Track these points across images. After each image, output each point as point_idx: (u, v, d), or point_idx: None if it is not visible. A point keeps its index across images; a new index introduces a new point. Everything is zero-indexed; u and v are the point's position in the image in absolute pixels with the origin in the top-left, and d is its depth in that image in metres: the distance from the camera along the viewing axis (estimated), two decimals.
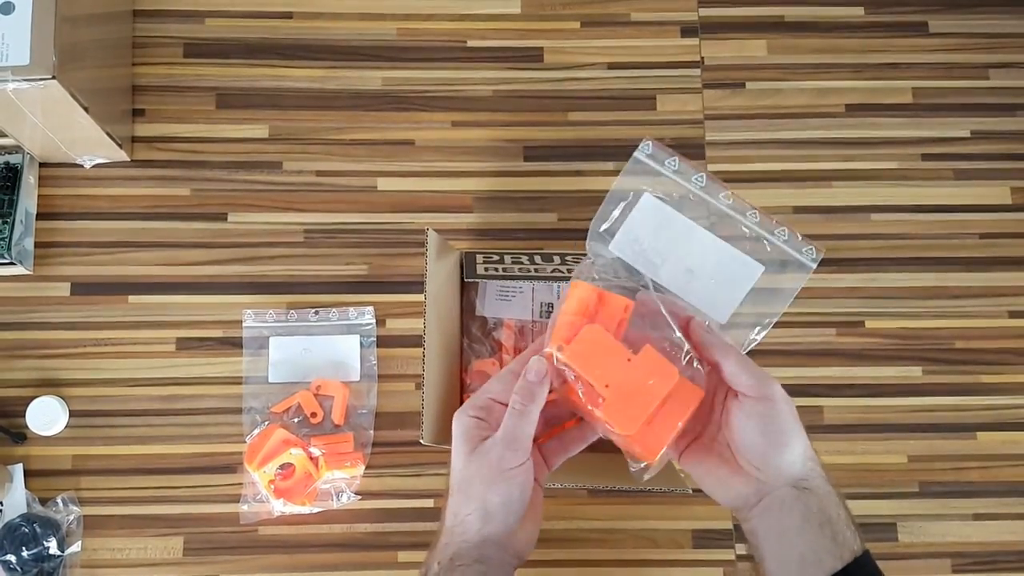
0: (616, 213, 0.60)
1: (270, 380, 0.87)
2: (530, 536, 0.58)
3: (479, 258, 0.78)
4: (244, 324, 0.88)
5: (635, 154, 0.59)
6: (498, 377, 0.58)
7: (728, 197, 0.58)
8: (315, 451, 0.83)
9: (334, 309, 0.89)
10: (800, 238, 0.58)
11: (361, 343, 0.88)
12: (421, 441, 0.69)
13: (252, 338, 0.88)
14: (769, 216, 0.58)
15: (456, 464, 0.56)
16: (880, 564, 0.53)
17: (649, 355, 0.56)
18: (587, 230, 0.92)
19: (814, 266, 0.57)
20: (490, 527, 0.55)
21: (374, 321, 0.89)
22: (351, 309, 0.89)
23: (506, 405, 0.56)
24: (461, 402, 0.83)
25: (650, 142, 0.59)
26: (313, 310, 0.89)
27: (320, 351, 0.87)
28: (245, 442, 0.85)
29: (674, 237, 0.59)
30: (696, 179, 0.58)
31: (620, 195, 0.59)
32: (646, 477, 0.57)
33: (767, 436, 0.54)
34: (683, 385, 0.55)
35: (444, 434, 0.74)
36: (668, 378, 0.55)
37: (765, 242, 0.58)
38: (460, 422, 0.57)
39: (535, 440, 0.57)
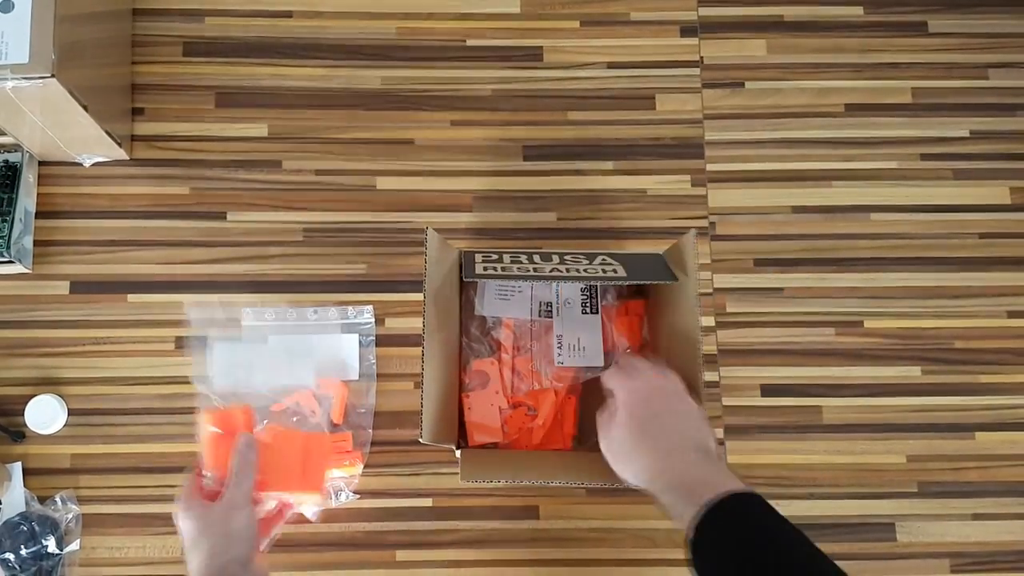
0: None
1: (269, 379, 0.87)
2: (264, 567, 0.70)
3: (478, 257, 0.78)
4: (243, 323, 0.88)
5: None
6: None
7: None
8: None
9: (333, 307, 0.89)
10: None
11: (360, 342, 0.88)
12: (420, 440, 0.69)
13: (251, 337, 0.88)
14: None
15: (188, 528, 0.69)
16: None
17: (275, 431, 0.79)
18: (587, 229, 0.92)
19: None
20: (236, 548, 0.67)
21: (373, 320, 0.89)
22: (350, 308, 0.89)
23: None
24: (460, 401, 0.83)
25: None
26: (312, 309, 0.89)
27: (319, 350, 0.87)
28: None
29: None
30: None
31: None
32: (317, 511, 0.83)
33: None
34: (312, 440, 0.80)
35: (443, 433, 0.74)
36: (294, 440, 0.79)
37: None
38: (184, 507, 0.70)
39: None
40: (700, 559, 0.60)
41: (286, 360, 0.86)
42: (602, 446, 0.70)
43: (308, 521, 0.85)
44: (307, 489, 0.79)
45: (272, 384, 0.86)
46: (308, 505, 0.83)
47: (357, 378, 0.87)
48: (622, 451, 0.69)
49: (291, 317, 0.88)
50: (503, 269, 0.75)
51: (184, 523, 0.69)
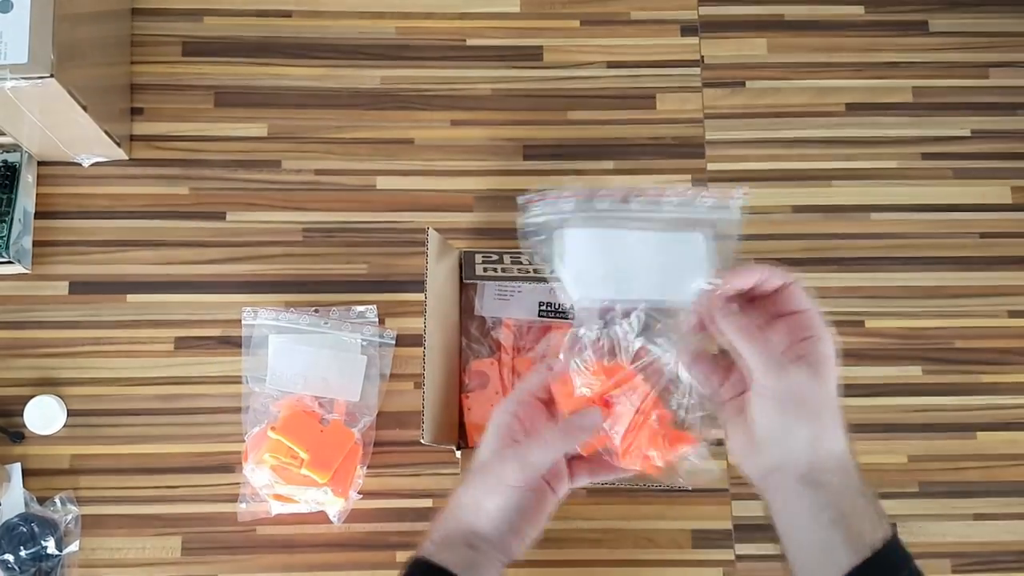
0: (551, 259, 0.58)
1: (269, 379, 0.86)
2: (523, 541, 0.58)
3: (478, 258, 0.78)
4: (243, 322, 0.88)
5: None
6: (543, 375, 0.59)
7: (639, 200, 0.57)
8: None
9: (334, 308, 0.89)
10: (725, 193, 0.57)
11: (362, 342, 0.88)
12: (421, 441, 0.68)
13: (251, 337, 0.88)
14: (687, 189, 0.57)
15: (480, 453, 0.58)
16: None
17: (335, 425, 0.81)
18: None
19: (741, 203, 0.57)
20: (481, 524, 0.56)
21: (376, 319, 0.89)
22: (353, 307, 0.89)
23: (545, 405, 0.58)
24: (460, 403, 0.83)
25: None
26: (313, 308, 0.88)
27: (320, 349, 0.87)
28: (244, 441, 0.85)
29: (612, 254, 0.57)
30: (598, 202, 0.57)
31: (538, 240, 0.58)
32: (341, 520, 0.82)
33: (771, 424, 0.53)
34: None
35: (444, 434, 0.74)
36: (348, 439, 0.81)
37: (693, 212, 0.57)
38: (499, 416, 0.58)
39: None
40: None
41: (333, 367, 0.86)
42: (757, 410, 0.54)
43: (308, 522, 0.85)
44: (335, 487, 0.81)
45: (315, 389, 0.86)
46: (332, 505, 0.83)
47: (360, 378, 0.87)
48: (784, 420, 0.54)
49: (292, 316, 0.87)
50: (503, 270, 0.75)
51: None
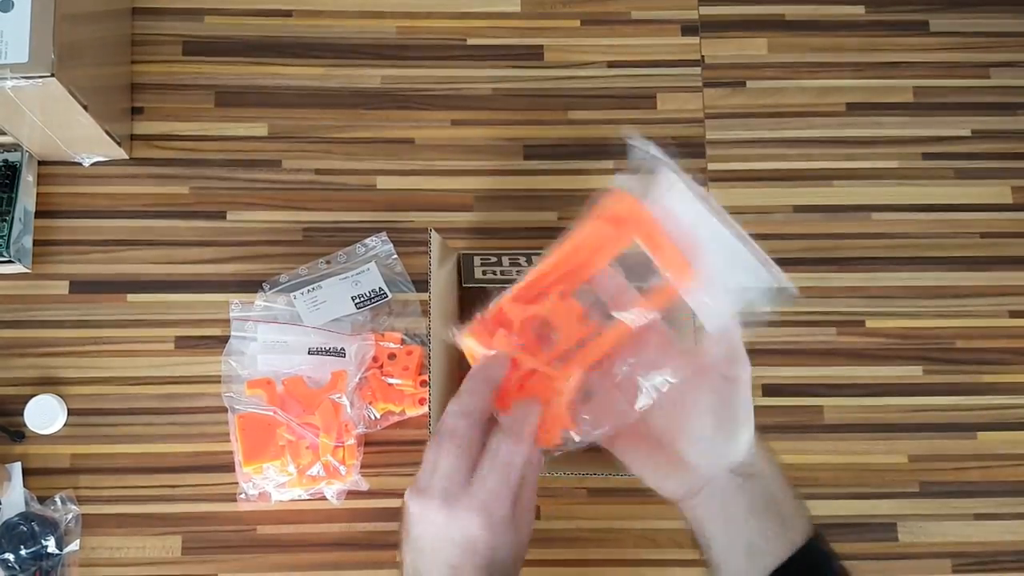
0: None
1: (261, 364, 0.86)
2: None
3: (477, 260, 0.78)
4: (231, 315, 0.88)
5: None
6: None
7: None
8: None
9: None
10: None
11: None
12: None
13: (242, 338, 0.87)
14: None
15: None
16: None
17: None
18: None
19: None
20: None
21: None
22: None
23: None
24: None
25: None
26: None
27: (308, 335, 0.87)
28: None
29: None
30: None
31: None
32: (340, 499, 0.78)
33: (721, 421, 0.50)
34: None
35: None
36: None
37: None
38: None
39: None
40: None
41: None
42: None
43: (308, 522, 0.85)
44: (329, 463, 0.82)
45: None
46: (330, 487, 0.84)
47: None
48: (736, 416, 0.50)
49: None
50: (502, 272, 0.75)
51: None
